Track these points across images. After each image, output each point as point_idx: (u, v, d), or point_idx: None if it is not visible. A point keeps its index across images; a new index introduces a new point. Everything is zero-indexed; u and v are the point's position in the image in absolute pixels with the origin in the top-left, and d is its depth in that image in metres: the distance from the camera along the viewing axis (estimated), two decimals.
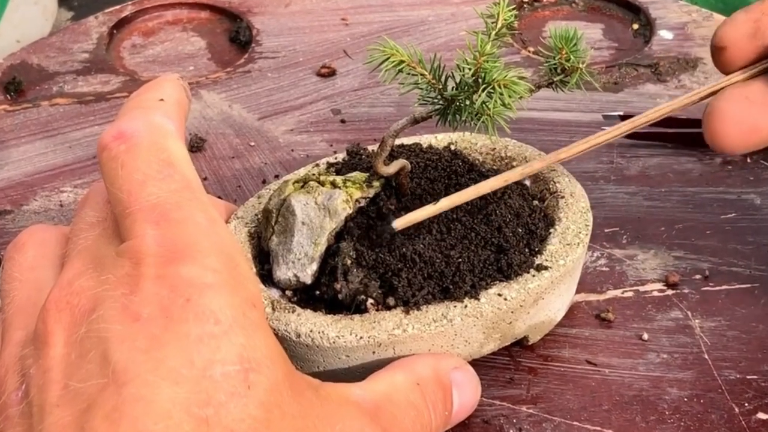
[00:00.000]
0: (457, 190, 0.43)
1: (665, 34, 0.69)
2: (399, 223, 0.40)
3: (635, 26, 0.72)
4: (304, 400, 0.31)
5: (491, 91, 0.36)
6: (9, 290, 0.36)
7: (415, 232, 0.41)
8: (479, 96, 0.36)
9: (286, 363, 0.32)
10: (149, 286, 0.30)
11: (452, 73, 0.38)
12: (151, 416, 0.26)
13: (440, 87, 0.38)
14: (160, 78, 0.40)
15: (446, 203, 0.40)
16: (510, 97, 0.36)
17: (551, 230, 0.43)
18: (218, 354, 0.28)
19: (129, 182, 0.33)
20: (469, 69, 0.36)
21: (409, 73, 0.37)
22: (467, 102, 0.37)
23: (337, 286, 0.39)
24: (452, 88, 0.38)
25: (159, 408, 0.27)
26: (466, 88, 0.37)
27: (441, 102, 0.38)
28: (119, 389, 0.27)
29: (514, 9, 0.39)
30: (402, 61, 0.37)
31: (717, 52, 0.40)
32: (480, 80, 0.36)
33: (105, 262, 0.32)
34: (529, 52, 0.68)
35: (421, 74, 0.37)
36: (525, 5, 0.74)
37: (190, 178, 0.34)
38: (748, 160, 0.57)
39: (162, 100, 0.37)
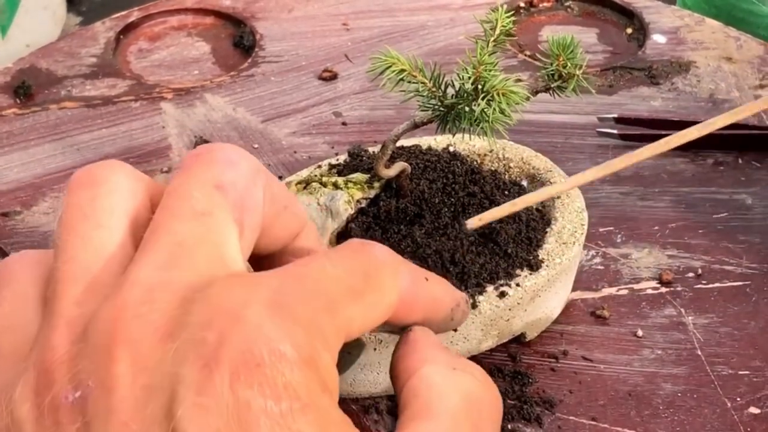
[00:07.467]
0: (455, 190, 0.44)
1: (658, 38, 0.71)
2: (473, 224, 0.42)
3: (629, 30, 0.73)
4: None
5: (490, 99, 0.36)
6: (65, 244, 0.26)
7: (414, 231, 0.42)
8: (479, 104, 0.37)
9: None
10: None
11: (452, 80, 0.39)
12: None
13: (440, 95, 0.38)
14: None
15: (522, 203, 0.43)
16: (508, 105, 0.37)
17: (548, 229, 0.44)
18: None
19: None
20: (469, 77, 0.37)
21: (410, 82, 0.38)
22: (467, 109, 0.38)
23: None
24: (452, 95, 0.38)
25: None
26: (465, 95, 0.37)
27: (441, 109, 0.39)
28: None
29: (511, 15, 0.40)
30: (403, 70, 0.37)
31: None
32: (479, 88, 0.37)
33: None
34: (525, 55, 0.70)
35: (422, 82, 0.38)
36: (521, 10, 0.75)
37: None
38: (740, 161, 0.58)
39: None
